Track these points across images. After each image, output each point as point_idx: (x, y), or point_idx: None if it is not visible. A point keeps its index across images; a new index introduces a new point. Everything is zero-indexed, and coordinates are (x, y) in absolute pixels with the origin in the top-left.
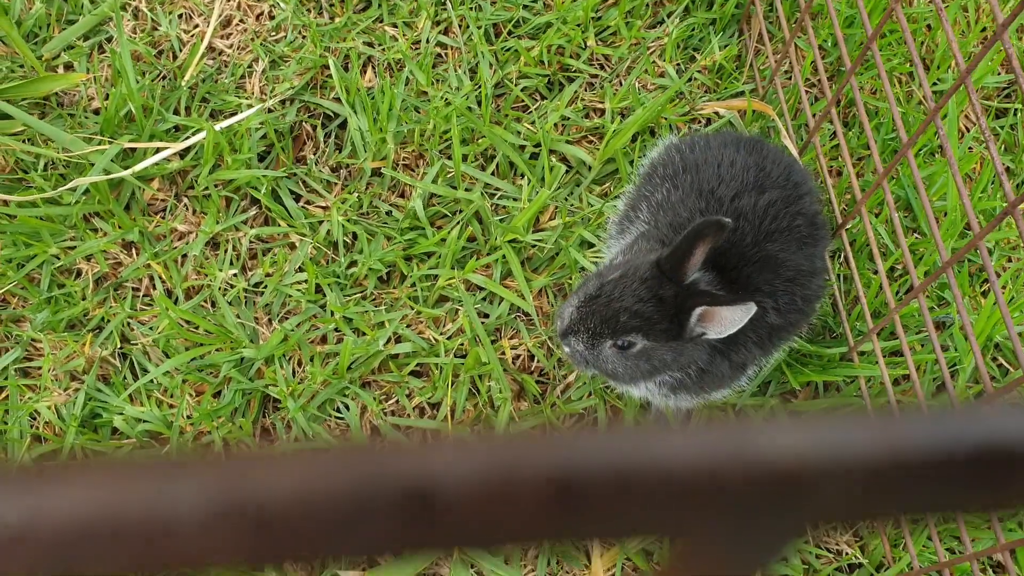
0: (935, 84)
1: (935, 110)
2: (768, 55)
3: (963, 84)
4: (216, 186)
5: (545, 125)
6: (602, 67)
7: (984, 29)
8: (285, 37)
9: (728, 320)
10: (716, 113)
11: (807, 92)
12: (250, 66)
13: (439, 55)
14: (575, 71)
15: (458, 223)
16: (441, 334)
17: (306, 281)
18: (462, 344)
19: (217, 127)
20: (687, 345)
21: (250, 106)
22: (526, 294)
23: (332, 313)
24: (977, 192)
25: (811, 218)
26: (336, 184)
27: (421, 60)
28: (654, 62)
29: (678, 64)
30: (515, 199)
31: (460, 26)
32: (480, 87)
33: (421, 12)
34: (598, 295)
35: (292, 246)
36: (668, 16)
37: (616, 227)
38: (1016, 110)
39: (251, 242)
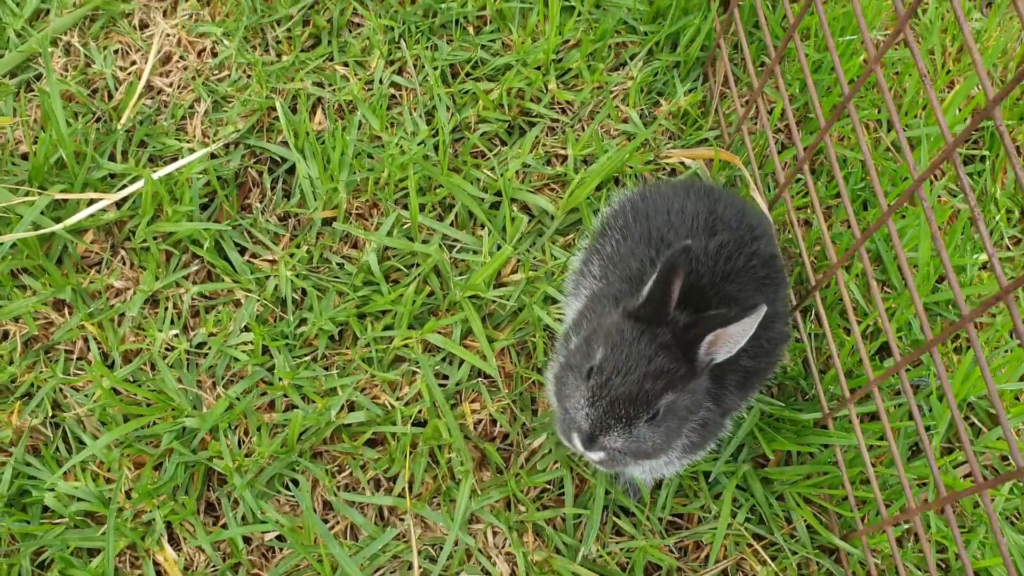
0: (905, 128)
1: (918, 180)
2: (734, 100)
3: (949, 156)
4: (156, 239)
5: (506, 173)
6: (563, 111)
7: (949, 72)
8: (229, 76)
9: (740, 334)
10: (682, 163)
11: (774, 137)
12: (191, 107)
13: (393, 96)
14: (536, 116)
15: (415, 278)
16: (398, 399)
17: (252, 342)
18: (420, 411)
19: (156, 175)
20: (700, 380)
21: (192, 150)
22: (488, 355)
23: (281, 379)
24: (952, 244)
25: (767, 260)
26: (284, 235)
27: (374, 103)
28: (617, 107)
29: (642, 109)
30: (475, 251)
31: (415, 66)
32: (437, 132)
33: (374, 50)
34: (605, 382)
35: (237, 303)
36: (631, 59)
37: (571, 284)
38: (983, 156)
39: (193, 299)
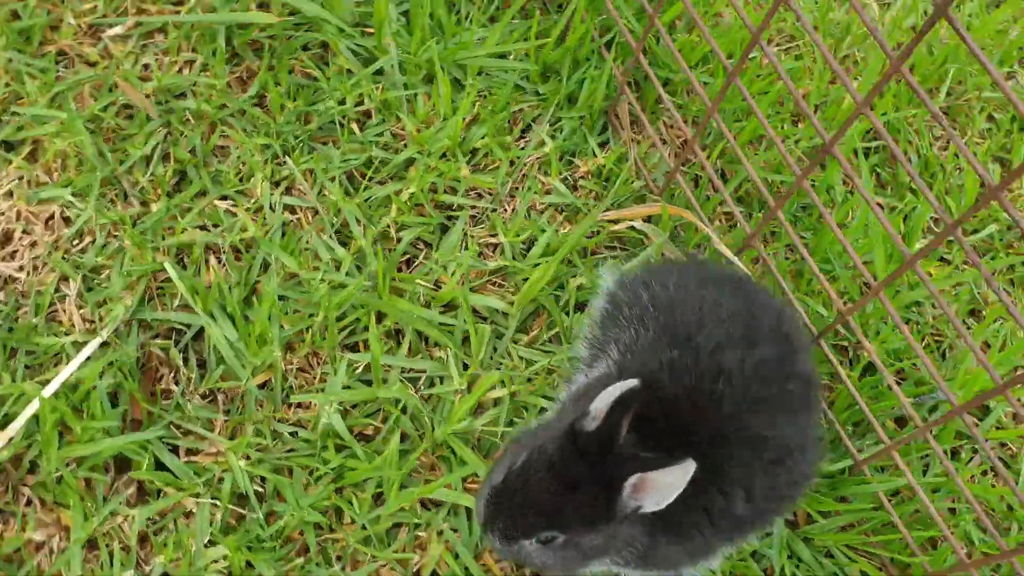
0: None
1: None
2: (658, 147)
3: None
4: (68, 465)
5: (451, 280)
6: (480, 196)
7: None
8: (94, 243)
9: (666, 485)
10: (632, 227)
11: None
12: (58, 290)
13: (290, 221)
14: (456, 208)
15: (389, 430)
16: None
17: (225, 557)
18: None
19: (48, 390)
20: (621, 526)
21: (76, 344)
22: None
23: None
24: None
25: (806, 379)
26: (218, 418)
27: (272, 235)
28: (537, 178)
29: (565, 176)
30: (442, 377)
31: (307, 181)
32: (361, 255)
33: (254, 173)
34: (503, 488)
35: (188, 514)
36: (535, 121)
37: (587, 355)
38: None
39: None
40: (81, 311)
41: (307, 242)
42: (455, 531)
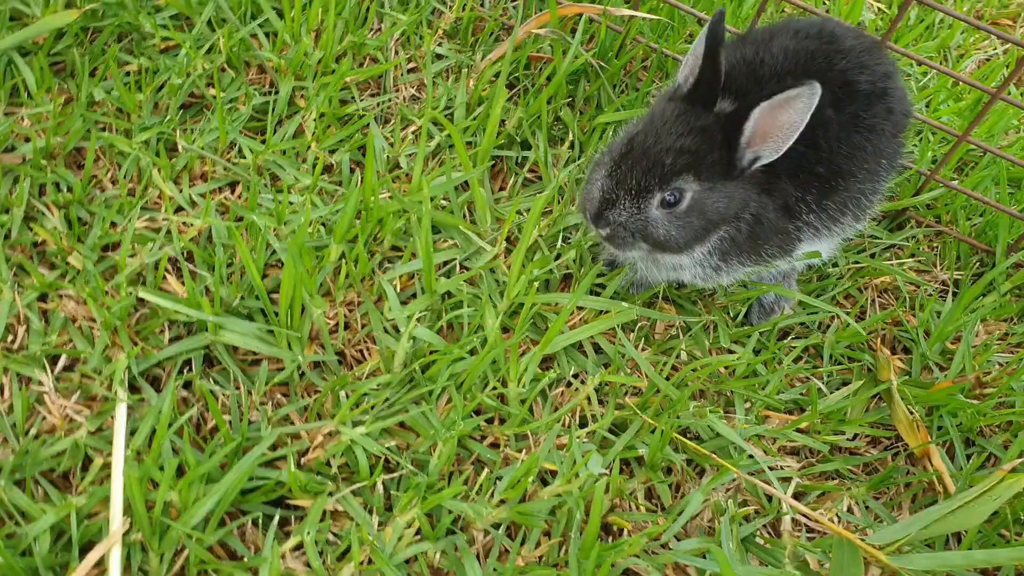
0: None
1: None
2: None
3: None
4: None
5: (416, 171)
6: (376, 93)
7: None
8: (29, 328)
9: (787, 126)
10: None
11: None
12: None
13: (222, 202)
14: (362, 114)
15: (471, 318)
16: None
17: None
18: None
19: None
20: (739, 185)
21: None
22: None
23: None
24: None
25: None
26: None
27: (231, 216)
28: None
29: (439, 42)
30: (479, 250)
31: (206, 165)
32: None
33: (152, 176)
34: (629, 150)
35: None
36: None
37: None
38: None
39: None
40: (68, 401)
41: (260, 207)
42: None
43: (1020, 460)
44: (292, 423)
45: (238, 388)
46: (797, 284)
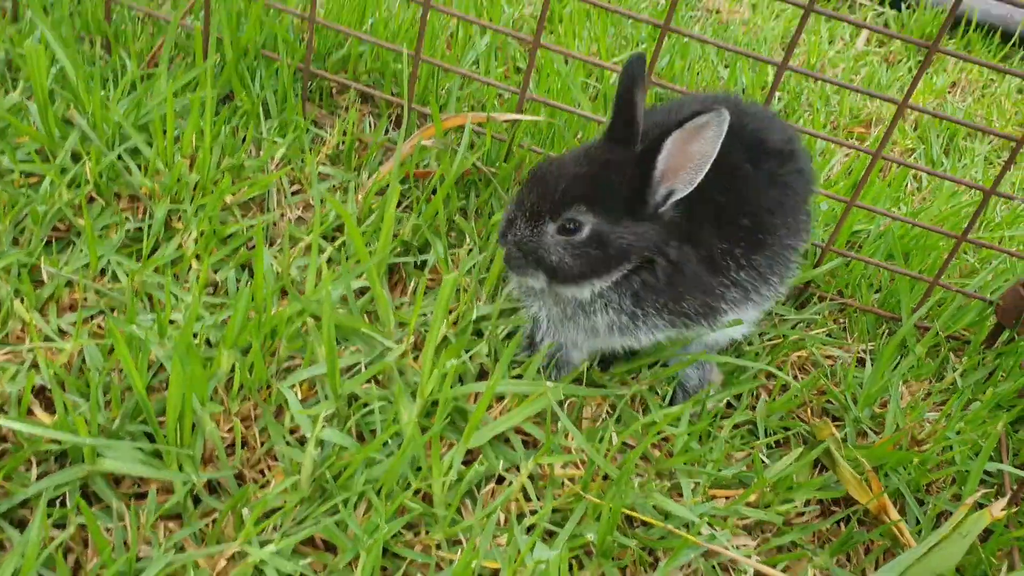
0: None
1: None
2: None
3: None
4: None
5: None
6: (257, 212)
7: None
8: None
9: (698, 156)
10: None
11: None
12: None
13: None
14: (242, 232)
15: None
16: None
17: None
18: None
19: None
20: (652, 226)
21: None
22: None
23: None
24: None
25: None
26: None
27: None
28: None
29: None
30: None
31: (74, 292)
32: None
33: (10, 310)
34: (535, 175)
35: None
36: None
37: None
38: None
39: None
40: None
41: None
42: None
43: (981, 493)
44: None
45: (122, 522)
46: (717, 367)
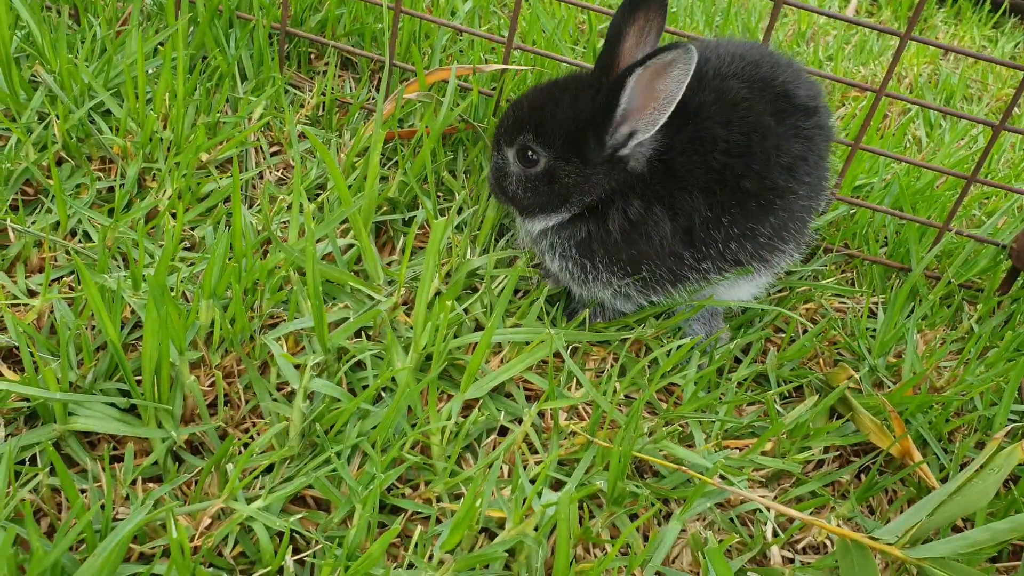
0: None
1: None
2: None
3: None
4: None
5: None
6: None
7: None
8: None
9: (664, 95)
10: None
11: None
12: None
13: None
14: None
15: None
16: None
17: None
18: None
19: None
20: (606, 170)
21: None
22: None
23: None
24: None
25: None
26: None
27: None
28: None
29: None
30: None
31: (46, 252)
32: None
33: None
34: (514, 101)
35: None
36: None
37: None
38: None
39: None
40: None
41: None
42: None
43: (1011, 427)
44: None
45: (98, 483)
46: (724, 321)
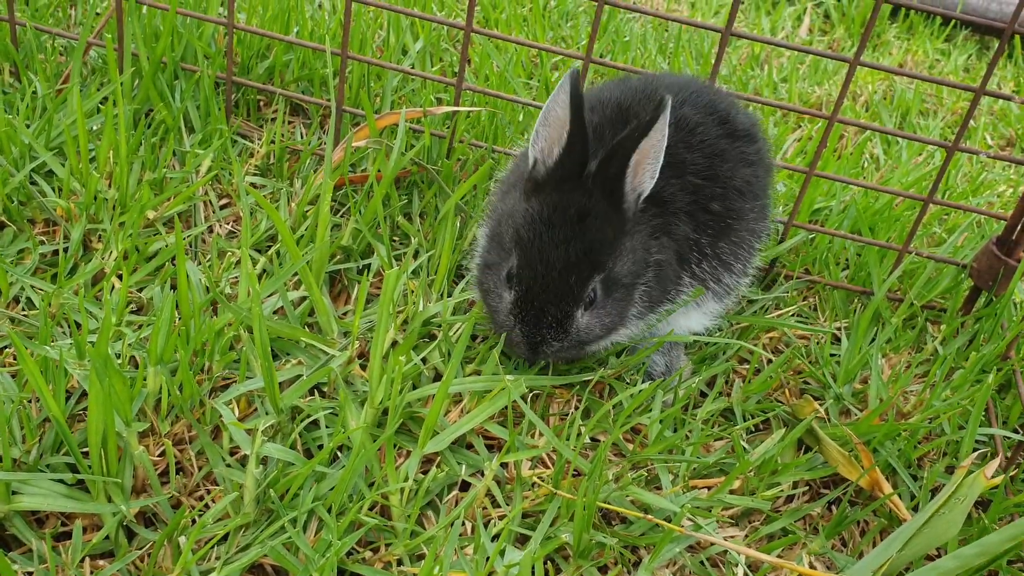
0: None
1: None
2: None
3: None
4: None
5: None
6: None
7: None
8: None
9: (653, 149)
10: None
11: None
12: None
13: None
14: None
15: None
16: None
17: None
18: None
19: None
20: (634, 239)
21: None
22: None
23: None
24: None
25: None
26: None
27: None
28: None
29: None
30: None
31: None
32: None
33: None
34: (525, 293)
35: None
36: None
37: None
38: None
39: None
40: None
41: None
42: None
43: (976, 455)
44: None
45: (44, 564)
46: (687, 356)
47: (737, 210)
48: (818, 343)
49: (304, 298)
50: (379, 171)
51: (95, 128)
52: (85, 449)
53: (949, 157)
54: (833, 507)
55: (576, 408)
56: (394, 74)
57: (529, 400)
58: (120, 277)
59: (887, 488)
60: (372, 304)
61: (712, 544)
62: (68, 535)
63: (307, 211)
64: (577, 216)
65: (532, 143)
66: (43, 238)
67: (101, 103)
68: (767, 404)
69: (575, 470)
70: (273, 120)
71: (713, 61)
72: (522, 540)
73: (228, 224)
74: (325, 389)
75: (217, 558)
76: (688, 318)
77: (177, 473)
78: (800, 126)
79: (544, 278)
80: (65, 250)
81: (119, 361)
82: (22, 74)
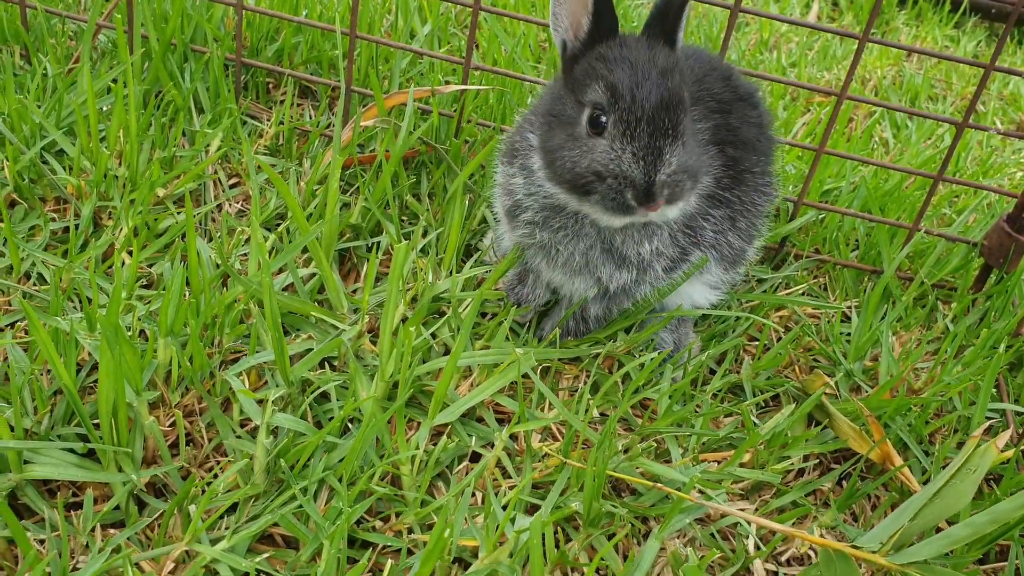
0: None
1: None
2: None
3: None
4: None
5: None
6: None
7: None
8: None
9: None
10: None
11: None
12: None
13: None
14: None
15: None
16: None
17: None
18: None
19: None
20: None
21: None
22: None
23: None
24: None
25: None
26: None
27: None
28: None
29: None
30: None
31: None
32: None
33: None
34: (631, 103)
35: None
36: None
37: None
38: None
39: None
40: None
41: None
42: None
43: (988, 423)
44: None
45: (56, 532)
46: (695, 333)
47: (748, 161)
48: (828, 321)
49: (314, 275)
50: (387, 150)
51: (105, 108)
52: (96, 420)
53: (959, 134)
54: (843, 481)
55: (585, 383)
56: (402, 56)
57: (539, 373)
58: (131, 253)
59: (898, 461)
60: (381, 282)
61: (722, 516)
62: (79, 504)
63: (316, 190)
64: (650, 38)
65: (553, 29)
66: (54, 215)
67: (112, 83)
68: (777, 380)
69: (584, 441)
70: (282, 102)
71: (722, 44)
72: (532, 510)
73: (237, 203)
74: (335, 363)
75: (227, 527)
76: (693, 287)
77: (187, 444)
78: (809, 110)
79: (648, 82)
80: (76, 227)
81: (129, 333)
82: (32, 56)
